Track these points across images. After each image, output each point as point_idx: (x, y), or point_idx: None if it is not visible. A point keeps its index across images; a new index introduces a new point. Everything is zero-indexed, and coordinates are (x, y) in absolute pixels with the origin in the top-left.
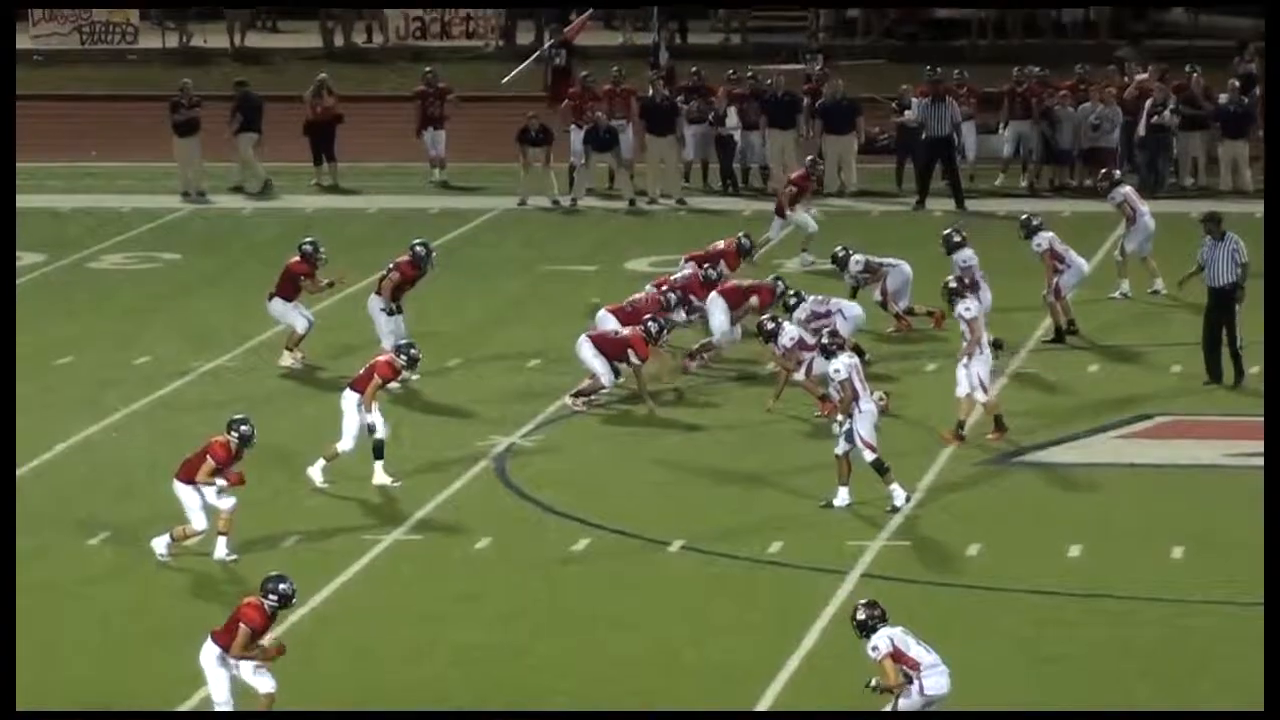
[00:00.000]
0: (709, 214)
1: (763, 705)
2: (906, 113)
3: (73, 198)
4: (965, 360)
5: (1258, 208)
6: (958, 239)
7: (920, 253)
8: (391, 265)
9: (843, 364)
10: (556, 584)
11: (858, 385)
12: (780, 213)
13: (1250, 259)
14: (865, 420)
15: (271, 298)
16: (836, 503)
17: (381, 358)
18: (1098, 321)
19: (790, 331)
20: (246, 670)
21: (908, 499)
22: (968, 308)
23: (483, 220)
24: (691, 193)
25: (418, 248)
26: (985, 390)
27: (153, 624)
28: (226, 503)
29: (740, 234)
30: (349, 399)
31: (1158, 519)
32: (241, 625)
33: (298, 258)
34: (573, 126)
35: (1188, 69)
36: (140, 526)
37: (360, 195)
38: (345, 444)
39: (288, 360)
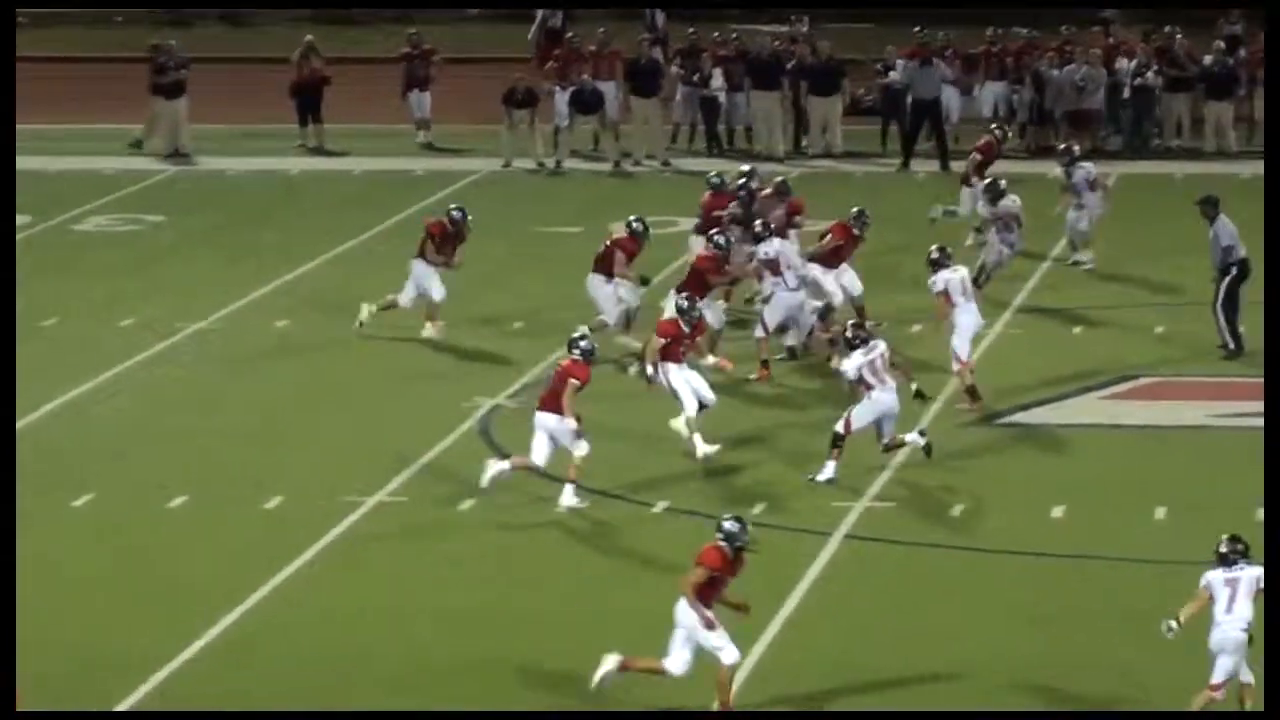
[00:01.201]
0: (694, 175)
1: (745, 667)
2: (891, 73)
3: (58, 160)
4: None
5: (1242, 168)
6: (762, 231)
7: (906, 215)
8: (609, 242)
9: (849, 365)
10: (540, 546)
11: (869, 378)
12: (967, 181)
13: (1233, 242)
14: (868, 406)
15: (416, 257)
16: (910, 438)
17: (662, 318)
18: (1080, 282)
19: (774, 246)
20: (710, 639)
21: (831, 481)
22: (934, 282)
23: (467, 182)
24: (676, 154)
25: (635, 224)
26: (960, 361)
27: (135, 585)
28: (581, 449)
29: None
30: (670, 371)
31: (1141, 480)
32: (698, 568)
33: (443, 218)
34: (557, 88)
35: (1167, 30)
36: (126, 488)
37: (346, 157)
38: (689, 411)
39: (430, 332)
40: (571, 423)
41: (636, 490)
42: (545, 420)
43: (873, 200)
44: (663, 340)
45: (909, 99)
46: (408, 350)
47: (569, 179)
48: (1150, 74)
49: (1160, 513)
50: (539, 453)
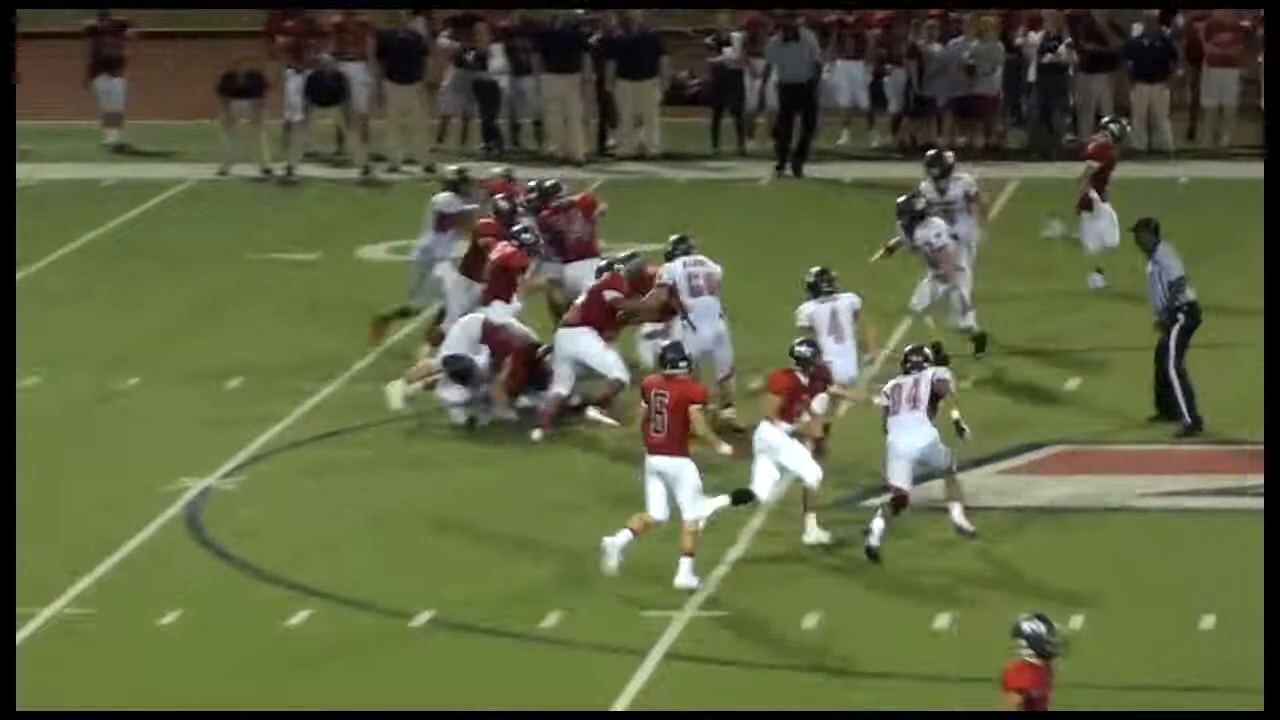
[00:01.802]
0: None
1: None
2: (726, 50)
3: None
4: None
5: (1180, 171)
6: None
7: (774, 237)
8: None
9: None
10: (267, 669)
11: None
12: (1085, 205)
13: (1182, 275)
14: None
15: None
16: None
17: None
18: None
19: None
20: None
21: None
22: (797, 314)
23: (172, 194)
24: (444, 157)
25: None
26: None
27: None
28: (702, 507)
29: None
30: (765, 432)
31: (1052, 577)
32: (1010, 694)
33: (513, 247)
34: (289, 72)
35: None
36: None
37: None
38: (759, 491)
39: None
40: (725, 448)
41: (391, 596)
42: (661, 465)
43: (705, 215)
44: (779, 398)
45: (772, 82)
46: (91, 415)
47: (304, 190)
48: (1062, 49)
49: (1076, 621)
50: (657, 506)
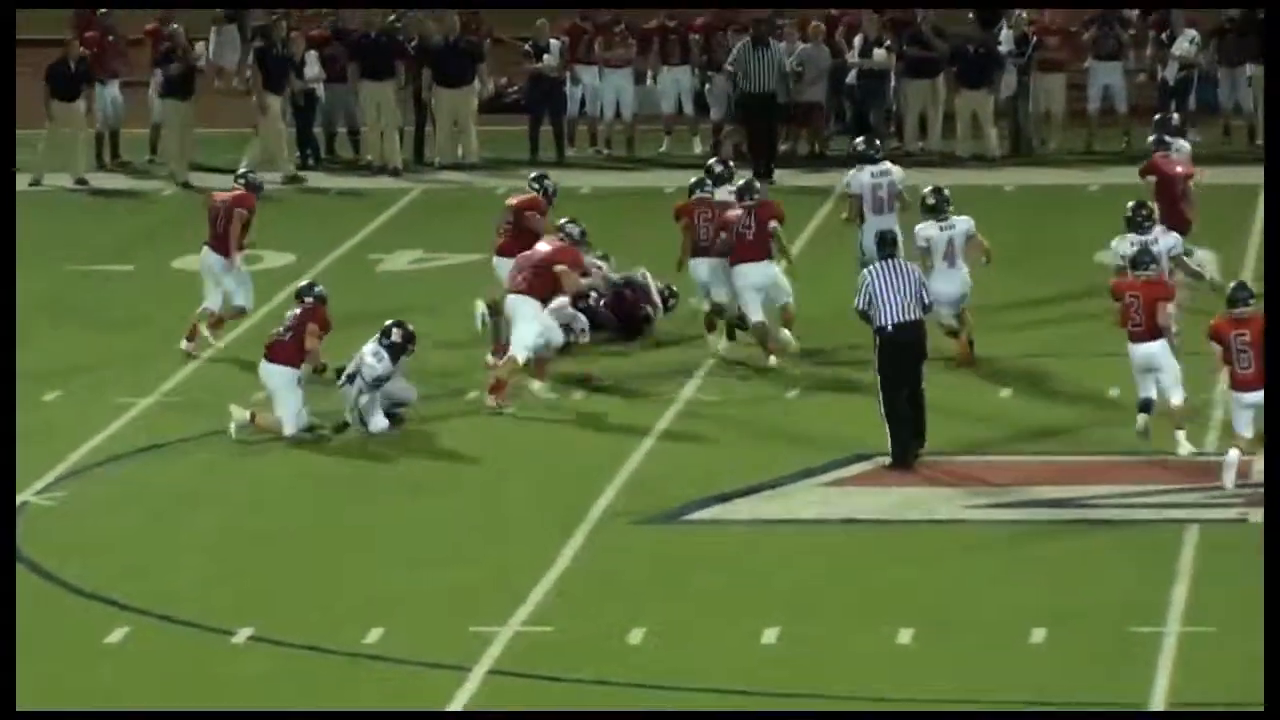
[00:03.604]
0: (281, 192)
1: None
2: (545, 57)
3: None
4: None
5: (1005, 178)
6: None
7: (599, 242)
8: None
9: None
10: (86, 688)
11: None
12: None
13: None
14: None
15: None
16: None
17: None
18: (795, 333)
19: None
20: None
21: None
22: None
23: None
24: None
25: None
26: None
27: None
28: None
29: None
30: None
31: (881, 591)
32: None
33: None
34: (97, 84)
35: None
36: None
37: None
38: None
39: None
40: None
41: (210, 613)
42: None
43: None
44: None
45: (735, 91)
46: None
47: (118, 200)
48: (880, 52)
49: (905, 636)
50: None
